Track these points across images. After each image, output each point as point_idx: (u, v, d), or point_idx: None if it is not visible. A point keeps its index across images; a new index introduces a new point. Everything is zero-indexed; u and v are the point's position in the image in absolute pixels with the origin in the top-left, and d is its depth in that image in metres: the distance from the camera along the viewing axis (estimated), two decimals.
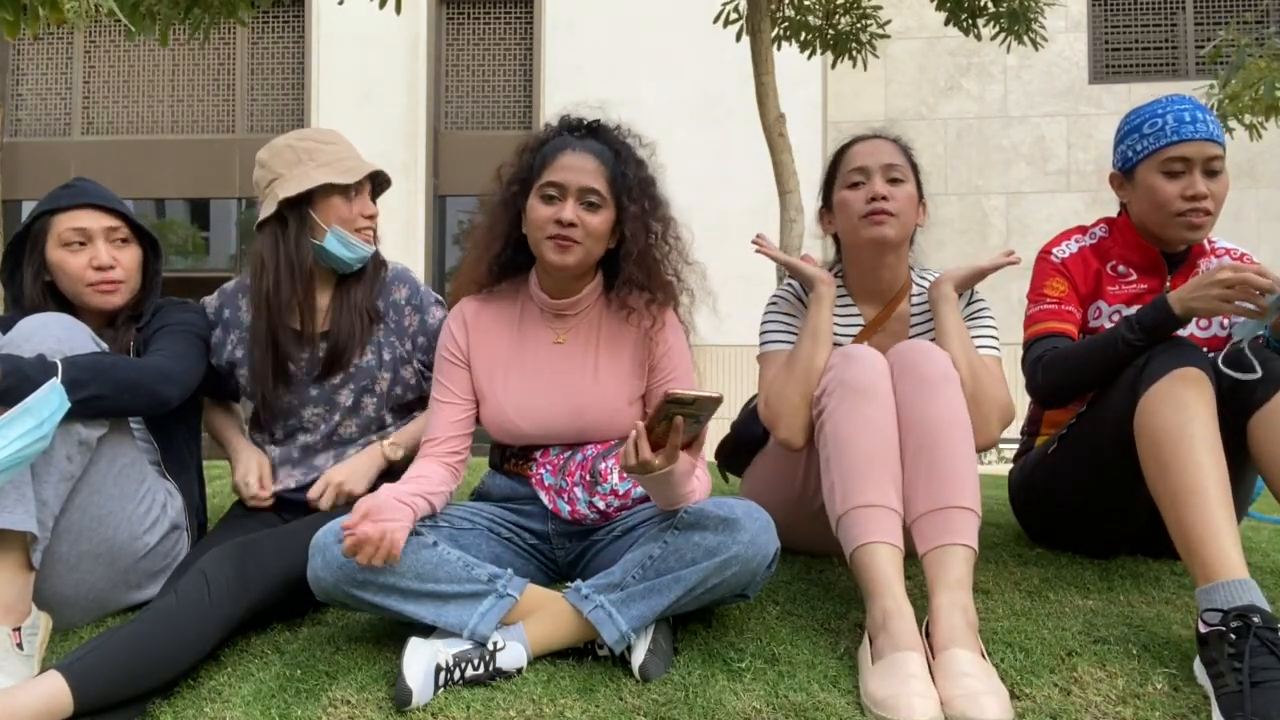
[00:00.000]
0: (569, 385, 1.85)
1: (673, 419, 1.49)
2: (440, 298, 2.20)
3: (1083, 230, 2.22)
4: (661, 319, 1.87)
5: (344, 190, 2.06)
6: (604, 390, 1.85)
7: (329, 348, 2.08)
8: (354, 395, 2.11)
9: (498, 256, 1.88)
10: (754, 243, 2.11)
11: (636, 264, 1.83)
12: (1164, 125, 2.01)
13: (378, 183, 2.18)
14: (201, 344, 2.07)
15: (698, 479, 1.69)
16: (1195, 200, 2.00)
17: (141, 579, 1.88)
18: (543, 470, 1.84)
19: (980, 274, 2.04)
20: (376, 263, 2.17)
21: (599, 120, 1.87)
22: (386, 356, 2.12)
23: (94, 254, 1.97)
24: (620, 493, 1.80)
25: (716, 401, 1.47)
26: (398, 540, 1.55)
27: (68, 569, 1.77)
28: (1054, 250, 2.18)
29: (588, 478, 1.80)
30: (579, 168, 1.78)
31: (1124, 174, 2.12)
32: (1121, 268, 2.13)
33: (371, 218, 2.12)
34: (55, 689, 1.41)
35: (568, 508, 1.81)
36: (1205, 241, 2.13)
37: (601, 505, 1.80)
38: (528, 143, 1.88)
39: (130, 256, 2.03)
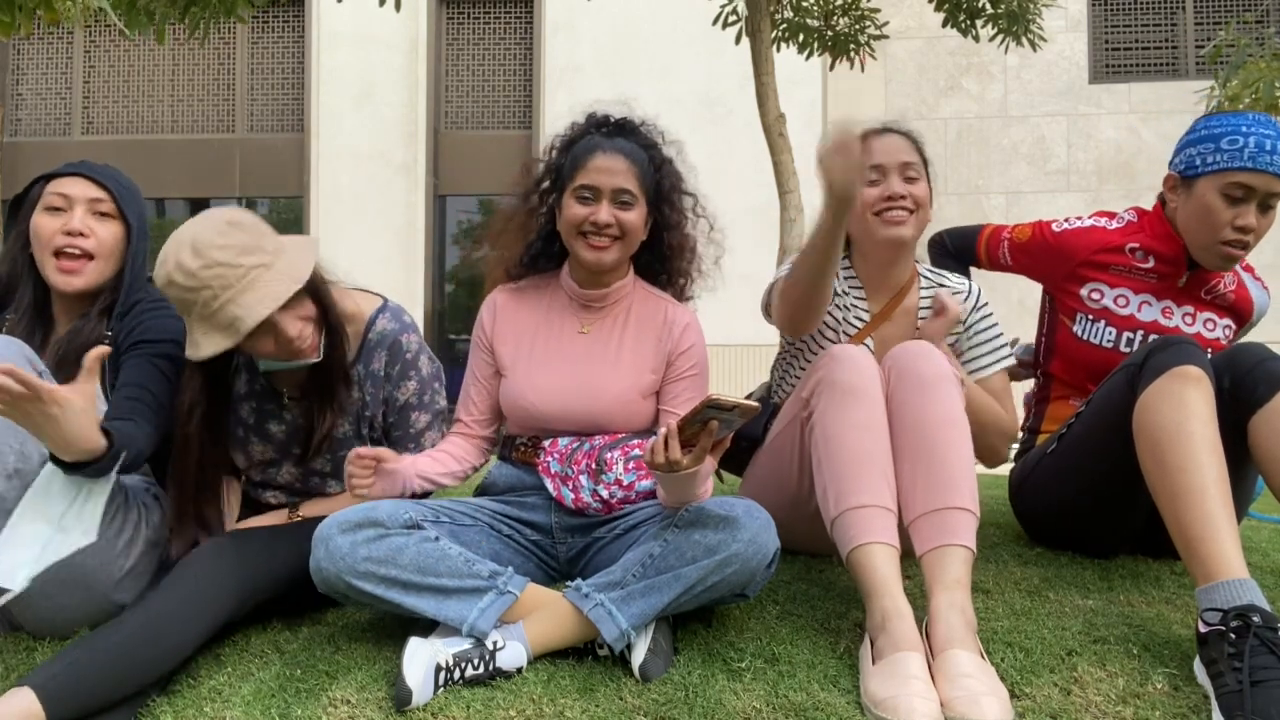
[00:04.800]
0: (588, 372, 1.89)
1: (707, 422, 1.50)
2: (429, 357, 2.01)
3: (1111, 215, 2.22)
4: (685, 318, 1.97)
5: None
6: (621, 380, 1.88)
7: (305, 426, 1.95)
8: (332, 463, 2.00)
9: (529, 249, 1.99)
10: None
11: (674, 257, 1.98)
12: (1243, 146, 1.96)
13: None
14: (177, 367, 1.87)
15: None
16: (1243, 232, 1.99)
17: (124, 594, 1.82)
18: (550, 458, 1.86)
19: (950, 320, 2.02)
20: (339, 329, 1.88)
21: (626, 118, 1.95)
22: (364, 430, 1.99)
23: (69, 219, 1.91)
24: (625, 483, 1.80)
25: (754, 411, 1.47)
26: (375, 490, 1.73)
27: (44, 599, 1.72)
28: (1058, 221, 2.23)
29: (593, 466, 1.82)
30: (611, 169, 1.85)
31: (1182, 178, 2.08)
32: (1140, 253, 2.14)
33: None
34: (26, 708, 1.37)
35: (571, 495, 1.82)
36: None
37: (605, 494, 1.80)
38: (555, 141, 1.97)
39: (109, 232, 1.96)
